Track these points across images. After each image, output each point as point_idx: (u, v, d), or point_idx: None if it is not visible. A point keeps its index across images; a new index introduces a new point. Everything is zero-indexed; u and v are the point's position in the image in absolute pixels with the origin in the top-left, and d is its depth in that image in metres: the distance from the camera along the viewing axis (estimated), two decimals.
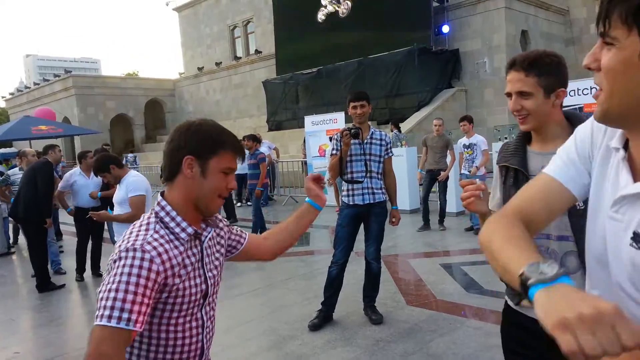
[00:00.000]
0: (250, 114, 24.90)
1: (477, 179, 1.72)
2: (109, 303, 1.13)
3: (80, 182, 6.16)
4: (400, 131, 11.23)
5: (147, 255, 1.20)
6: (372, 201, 4.07)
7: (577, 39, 18.31)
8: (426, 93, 16.21)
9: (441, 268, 5.60)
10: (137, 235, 1.26)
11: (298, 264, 6.22)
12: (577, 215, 1.46)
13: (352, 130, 3.96)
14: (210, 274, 1.41)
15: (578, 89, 7.61)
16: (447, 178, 7.67)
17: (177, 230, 1.32)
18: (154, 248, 1.23)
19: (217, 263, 1.47)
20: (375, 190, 4.09)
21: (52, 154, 6.33)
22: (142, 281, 1.17)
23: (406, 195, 8.70)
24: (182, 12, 29.75)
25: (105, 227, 6.53)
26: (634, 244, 0.79)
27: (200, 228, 1.40)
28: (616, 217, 0.84)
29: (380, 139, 4.14)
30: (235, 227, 1.71)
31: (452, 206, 8.61)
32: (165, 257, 1.25)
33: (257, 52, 24.76)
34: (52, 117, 17.66)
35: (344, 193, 4.14)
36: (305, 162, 12.11)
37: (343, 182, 4.16)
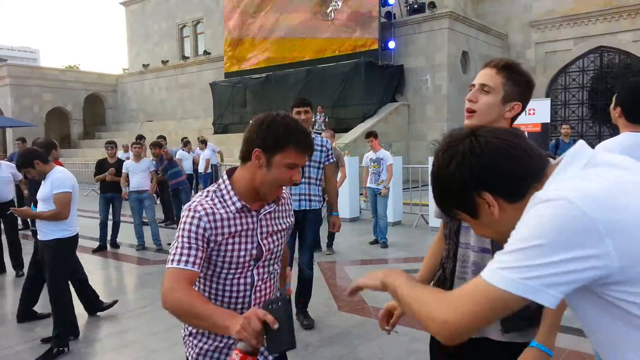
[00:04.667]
0: (196, 115, 24.42)
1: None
2: (171, 250, 1.50)
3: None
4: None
5: (196, 214, 1.51)
6: (307, 208, 4.10)
7: None
8: (371, 105, 16.55)
9: None
10: (196, 199, 1.58)
11: None
12: None
13: None
14: (265, 242, 1.64)
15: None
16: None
17: (229, 202, 1.58)
18: (204, 209, 1.52)
19: (276, 231, 1.68)
20: (312, 197, 4.12)
21: None
22: (193, 234, 1.49)
23: (346, 204, 8.84)
24: (129, 6, 28.83)
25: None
26: None
27: (255, 204, 1.62)
28: None
29: (321, 145, 4.14)
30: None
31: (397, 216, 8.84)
32: (211, 217, 1.53)
33: (206, 53, 24.39)
34: None
35: None
36: None
37: None
